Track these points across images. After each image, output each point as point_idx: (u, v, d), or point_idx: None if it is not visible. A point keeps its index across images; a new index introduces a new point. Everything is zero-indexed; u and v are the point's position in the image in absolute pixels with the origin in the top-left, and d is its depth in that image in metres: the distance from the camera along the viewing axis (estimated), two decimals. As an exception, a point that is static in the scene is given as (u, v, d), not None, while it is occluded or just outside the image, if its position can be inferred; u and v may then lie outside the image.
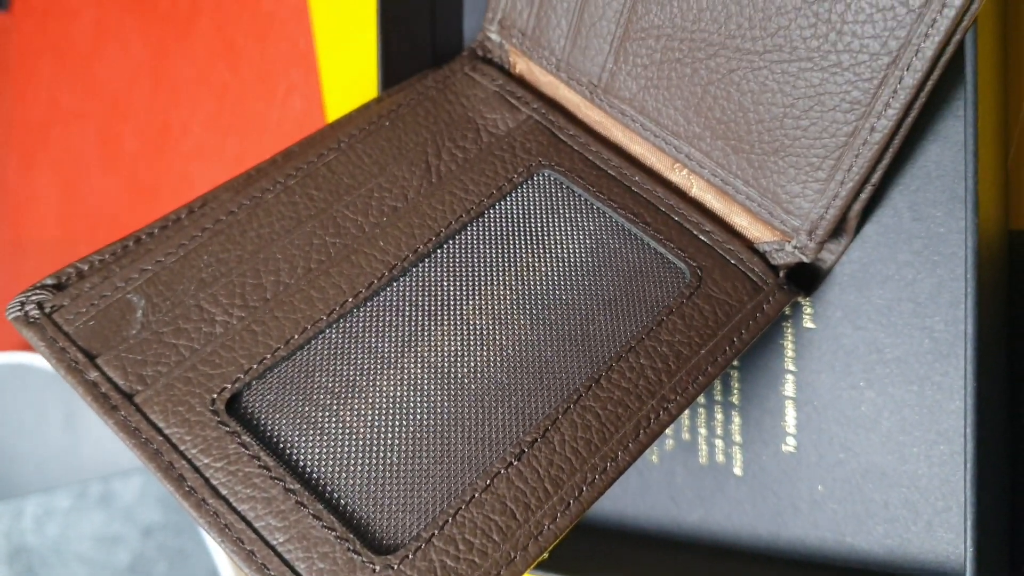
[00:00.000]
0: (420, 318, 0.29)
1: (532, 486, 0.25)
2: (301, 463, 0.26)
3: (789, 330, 0.33)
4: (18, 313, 0.27)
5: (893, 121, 0.26)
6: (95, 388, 0.26)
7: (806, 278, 0.32)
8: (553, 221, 0.31)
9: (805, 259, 0.30)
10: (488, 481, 0.25)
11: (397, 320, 0.29)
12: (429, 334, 0.28)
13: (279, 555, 0.24)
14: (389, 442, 0.26)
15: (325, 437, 0.26)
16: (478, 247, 0.30)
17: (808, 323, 0.32)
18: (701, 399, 0.35)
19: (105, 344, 0.27)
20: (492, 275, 0.30)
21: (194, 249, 0.29)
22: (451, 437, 0.26)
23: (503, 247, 0.30)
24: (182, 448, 0.25)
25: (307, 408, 0.27)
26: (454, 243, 0.30)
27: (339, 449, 0.26)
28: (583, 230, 0.31)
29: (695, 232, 0.31)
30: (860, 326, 0.31)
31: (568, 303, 0.29)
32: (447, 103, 0.34)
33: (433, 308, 0.29)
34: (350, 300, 0.29)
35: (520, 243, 0.31)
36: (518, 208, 0.31)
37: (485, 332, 0.29)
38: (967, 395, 0.27)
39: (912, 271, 0.30)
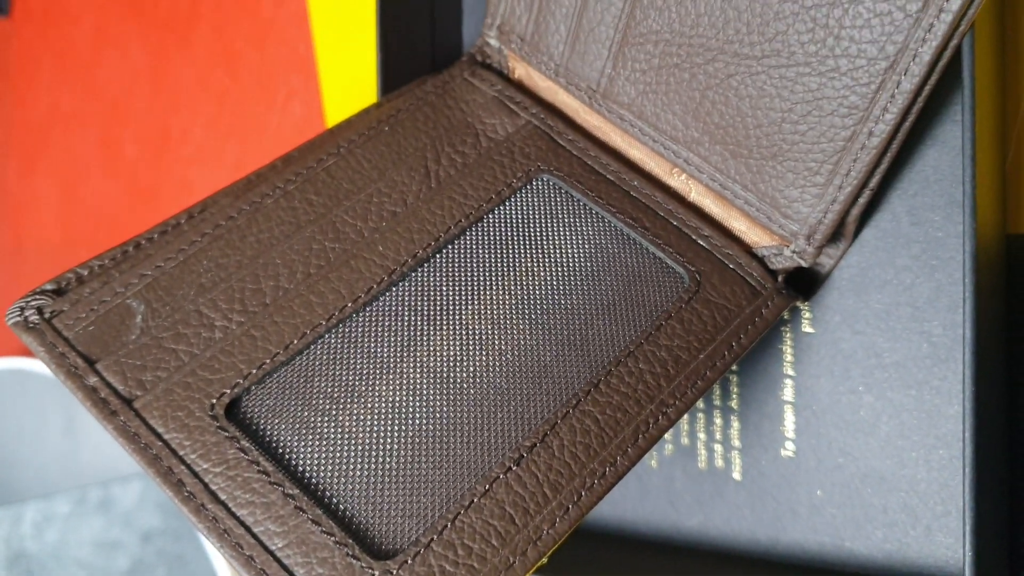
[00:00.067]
0: (419, 323, 0.29)
1: (531, 491, 0.25)
2: (300, 468, 0.26)
3: (788, 334, 0.33)
4: (18, 318, 0.27)
5: (891, 126, 0.26)
6: (94, 393, 0.26)
7: (805, 282, 0.32)
8: (552, 226, 0.31)
9: (804, 263, 0.30)
10: (487, 486, 0.25)
11: (396, 325, 0.29)
12: (428, 339, 0.28)
13: (278, 560, 0.24)
14: (388, 447, 0.26)
15: (324, 442, 0.26)
16: (477, 252, 0.30)
17: (807, 327, 0.32)
18: (700, 404, 0.35)
19: (105, 349, 0.27)
20: (491, 280, 0.30)
21: (194, 254, 0.29)
22: (450, 442, 0.26)
23: (502, 252, 0.31)
24: (181, 453, 0.25)
25: (306, 413, 0.27)
26: (453, 248, 0.30)
27: (338, 454, 0.26)
28: (582, 235, 0.31)
29: (694, 237, 0.31)
30: (859, 330, 0.31)
31: (567, 308, 0.29)
32: (446, 108, 0.34)
33: (432, 313, 0.29)
34: (349, 305, 0.29)
35: (519, 248, 0.31)
36: (517, 213, 0.31)
37: (484, 337, 0.29)
38: (965, 399, 0.27)
39: (910, 275, 0.30)
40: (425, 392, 0.27)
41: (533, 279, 0.30)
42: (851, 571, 0.32)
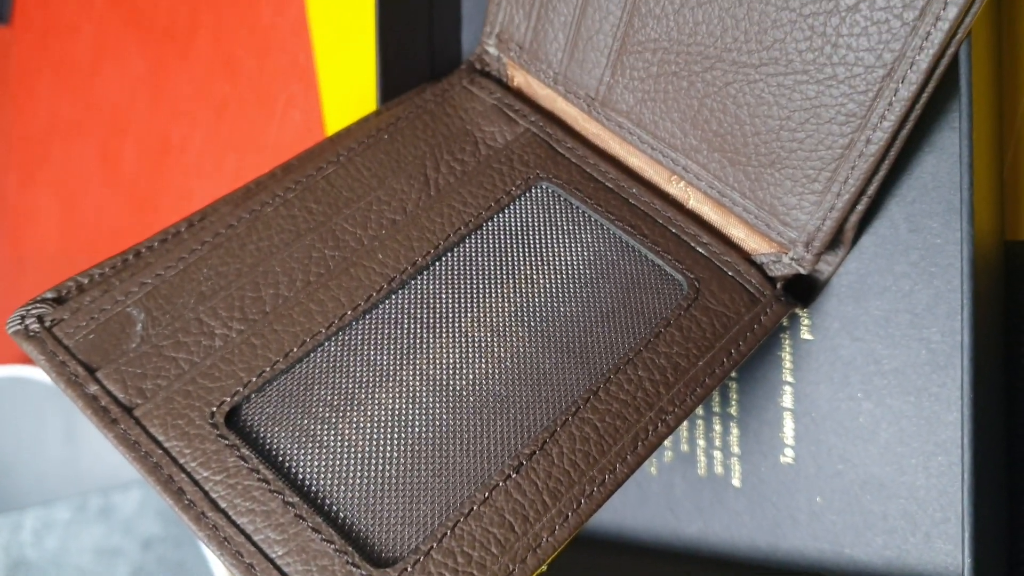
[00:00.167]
0: (419, 331, 0.29)
1: (530, 499, 0.25)
2: (300, 476, 0.26)
3: (787, 341, 0.33)
4: (18, 327, 0.27)
5: (889, 133, 0.26)
6: (95, 402, 0.26)
7: (803, 289, 0.32)
8: (551, 233, 0.31)
9: (802, 271, 0.30)
10: (486, 494, 0.25)
11: (396, 333, 0.29)
12: (428, 347, 0.28)
13: (278, 568, 0.24)
14: (387, 455, 0.26)
15: (324, 450, 0.26)
16: (476, 260, 0.31)
17: (806, 334, 0.32)
18: (699, 411, 0.35)
19: (105, 357, 0.27)
20: (490, 287, 0.30)
21: (194, 262, 0.29)
22: (449, 450, 0.26)
23: (501, 259, 0.31)
24: (181, 461, 0.25)
25: (306, 421, 0.27)
26: (452, 256, 0.31)
27: (338, 462, 0.26)
28: (581, 242, 0.31)
29: (692, 244, 0.31)
30: (858, 337, 0.31)
31: (566, 315, 0.29)
32: (445, 116, 0.34)
33: (432, 321, 0.29)
34: (349, 313, 0.29)
35: (518, 255, 0.31)
36: (516, 220, 0.32)
37: (483, 344, 0.29)
38: (964, 406, 0.27)
39: (909, 282, 0.30)
40: (424, 400, 0.27)
41: (532, 287, 0.30)
42: (851, 578, 0.32)
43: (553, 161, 0.33)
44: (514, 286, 0.30)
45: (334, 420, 0.27)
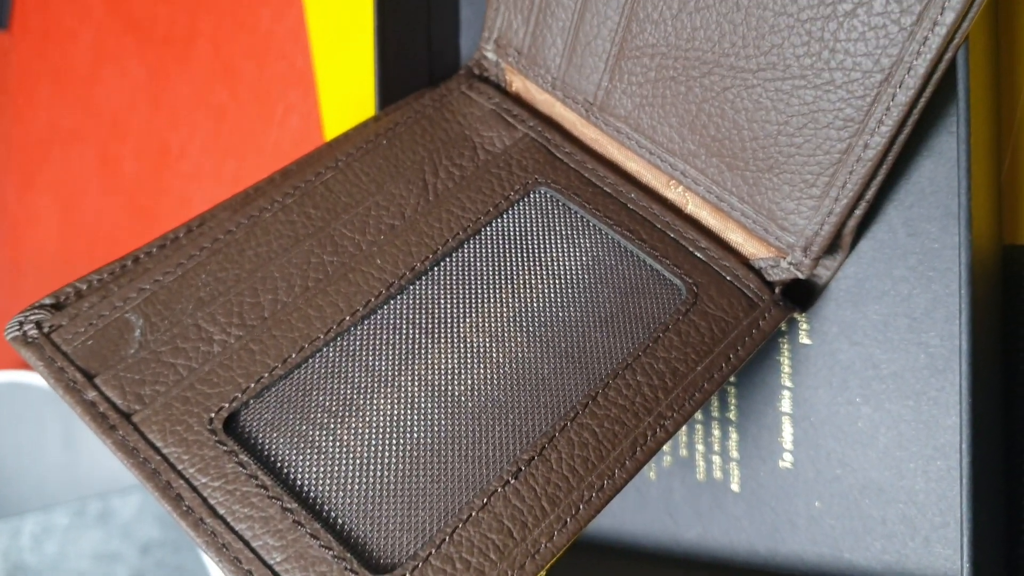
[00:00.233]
0: (417, 336, 0.29)
1: (529, 504, 0.25)
2: (298, 482, 0.26)
3: (785, 346, 0.33)
4: (16, 333, 0.27)
5: (886, 138, 0.26)
6: (93, 407, 0.26)
7: (802, 294, 0.32)
8: (550, 238, 0.31)
9: (801, 275, 0.30)
10: (485, 500, 0.25)
11: (394, 338, 0.29)
12: (426, 352, 0.28)
13: (276, 574, 0.24)
14: (386, 461, 0.26)
15: (322, 456, 0.26)
16: (475, 265, 0.31)
17: (804, 339, 0.32)
18: (698, 415, 0.35)
19: (103, 363, 0.27)
20: (489, 293, 0.30)
21: (192, 268, 0.29)
22: (448, 455, 0.26)
23: (500, 265, 0.31)
24: (180, 467, 0.25)
25: (304, 427, 0.27)
26: (451, 261, 0.31)
27: (336, 468, 0.26)
28: (579, 247, 0.31)
29: (691, 249, 0.31)
30: (856, 342, 0.31)
31: (565, 320, 0.29)
32: (444, 121, 0.34)
33: (430, 326, 0.29)
34: (347, 319, 0.29)
35: (517, 260, 0.31)
36: (515, 226, 0.32)
37: (482, 350, 0.29)
38: (962, 410, 0.27)
39: (907, 286, 0.30)
40: (423, 405, 0.27)
41: (531, 291, 0.30)
42: (850, 582, 0.32)
43: (551, 166, 0.33)
44: (512, 291, 0.30)
45: (332, 426, 0.27)
